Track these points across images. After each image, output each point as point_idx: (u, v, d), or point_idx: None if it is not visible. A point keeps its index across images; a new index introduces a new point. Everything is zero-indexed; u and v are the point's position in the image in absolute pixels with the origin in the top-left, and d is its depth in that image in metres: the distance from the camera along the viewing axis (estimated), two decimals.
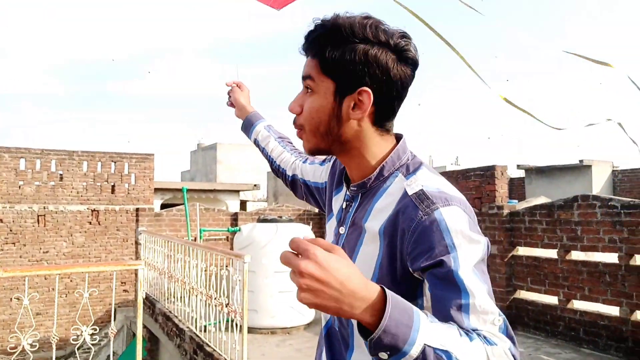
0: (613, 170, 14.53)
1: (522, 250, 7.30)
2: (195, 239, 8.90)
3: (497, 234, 7.51)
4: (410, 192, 0.90)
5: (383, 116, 0.99)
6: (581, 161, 13.80)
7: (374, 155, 1.00)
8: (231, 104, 1.65)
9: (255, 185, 18.72)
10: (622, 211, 6.01)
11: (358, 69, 0.92)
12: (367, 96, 0.93)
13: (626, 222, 5.95)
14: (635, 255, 5.91)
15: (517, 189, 16.19)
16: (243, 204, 18.68)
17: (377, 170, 0.99)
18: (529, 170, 15.23)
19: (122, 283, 11.84)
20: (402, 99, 1.00)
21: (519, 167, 15.46)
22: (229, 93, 1.64)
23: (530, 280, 7.05)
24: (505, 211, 7.48)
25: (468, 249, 0.83)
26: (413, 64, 0.97)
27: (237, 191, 17.71)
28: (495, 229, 7.53)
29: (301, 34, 1.00)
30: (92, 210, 11.84)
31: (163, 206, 15.08)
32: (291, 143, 1.51)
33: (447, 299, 0.80)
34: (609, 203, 6.17)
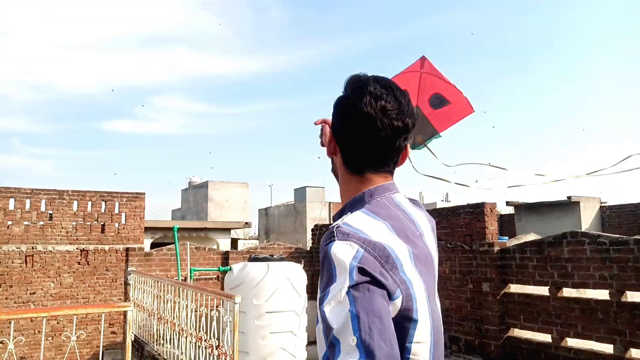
0: (601, 207, 14.69)
1: (514, 288, 7.29)
2: (185, 279, 8.80)
3: (488, 271, 7.51)
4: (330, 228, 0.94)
5: (350, 158, 1.09)
6: (569, 197, 13.96)
7: (345, 194, 1.10)
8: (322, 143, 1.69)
9: (246, 223, 18.64)
10: (611, 247, 6.06)
11: (333, 113, 1.12)
12: (331, 135, 1.11)
13: (615, 259, 5.99)
14: (626, 291, 5.93)
15: (507, 225, 16.26)
16: (234, 242, 18.55)
17: (341, 209, 1.07)
18: (519, 207, 15.35)
19: (110, 325, 11.59)
20: (372, 145, 1.05)
21: (508, 203, 15.58)
22: (321, 130, 1.66)
23: (523, 317, 7.02)
24: (496, 248, 7.51)
25: (337, 284, 0.83)
26: (374, 110, 1.03)
27: (228, 229, 17.61)
28: (487, 266, 7.54)
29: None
30: (81, 250, 11.69)
31: (153, 245, 14.93)
32: None
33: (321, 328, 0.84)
34: (598, 239, 6.22)
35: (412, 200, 1.15)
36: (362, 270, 0.83)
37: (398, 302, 0.86)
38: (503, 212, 18.16)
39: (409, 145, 1.14)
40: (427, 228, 1.10)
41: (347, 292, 0.81)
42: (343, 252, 0.85)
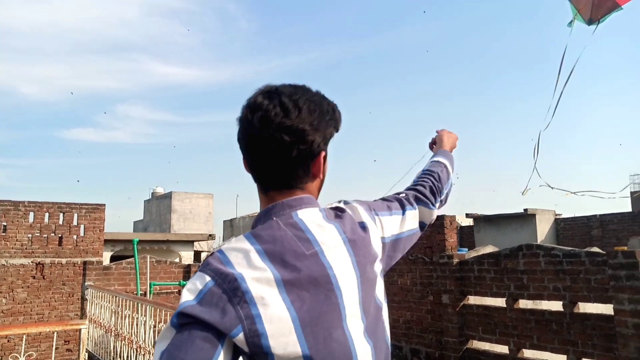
0: (556, 219, 15.20)
1: (473, 299, 7.45)
2: (145, 294, 8.62)
3: (448, 282, 7.65)
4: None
5: (253, 176, 1.06)
6: (526, 210, 14.38)
7: (259, 210, 1.06)
8: (432, 142, 1.71)
9: (210, 235, 18.41)
10: (564, 260, 6.28)
11: None
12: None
13: (568, 271, 6.21)
14: (578, 303, 6.14)
15: (467, 237, 16.60)
16: (197, 255, 18.28)
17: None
18: (478, 219, 15.71)
19: (65, 342, 11.20)
20: (249, 158, 1.04)
21: (467, 215, 15.93)
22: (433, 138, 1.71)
23: (482, 329, 7.17)
24: (455, 260, 7.67)
25: (168, 323, 0.84)
26: (248, 121, 1.00)
27: (192, 241, 17.35)
28: (446, 278, 7.68)
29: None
30: (36, 264, 11.29)
31: (113, 258, 14.56)
32: (426, 179, 1.43)
33: None
34: (552, 252, 6.44)
35: (337, 211, 1.08)
36: (184, 315, 0.82)
37: (240, 337, 0.83)
38: (463, 224, 18.54)
39: (323, 154, 1.06)
40: (335, 243, 1.00)
41: (166, 333, 0.83)
42: (187, 289, 0.86)
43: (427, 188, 1.35)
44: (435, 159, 1.53)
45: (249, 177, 1.09)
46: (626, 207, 16.35)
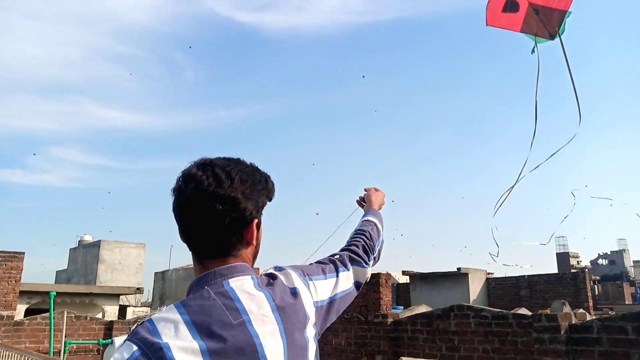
0: (487, 278, 15.66)
1: None
2: (58, 353, 7.93)
3: (382, 343, 7.57)
4: None
5: (188, 242, 1.10)
6: (459, 269, 14.76)
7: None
8: (360, 200, 1.81)
9: (138, 288, 17.48)
10: (492, 321, 6.39)
11: None
12: None
13: (497, 332, 6.31)
14: None
15: (403, 294, 16.71)
16: (123, 310, 17.22)
17: None
18: (414, 277, 15.91)
19: None
20: (183, 227, 1.08)
21: (404, 272, 16.12)
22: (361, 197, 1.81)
23: None
24: (390, 320, 7.63)
25: None
26: (182, 192, 1.06)
27: (117, 295, 16.37)
28: (380, 339, 7.60)
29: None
30: None
31: (29, 312, 13.43)
32: (359, 239, 1.50)
33: None
34: (481, 313, 6.55)
35: (269, 278, 1.11)
36: None
37: None
38: (400, 281, 18.70)
39: (256, 221, 1.10)
40: (263, 312, 1.03)
41: None
42: (114, 358, 0.87)
43: (360, 247, 1.42)
44: (366, 218, 1.62)
45: None
46: (553, 268, 17.16)
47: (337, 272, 1.30)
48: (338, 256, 1.39)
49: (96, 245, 29.52)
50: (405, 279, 18.11)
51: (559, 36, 5.86)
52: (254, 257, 1.16)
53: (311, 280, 1.21)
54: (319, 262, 1.36)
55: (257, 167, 1.17)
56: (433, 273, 15.55)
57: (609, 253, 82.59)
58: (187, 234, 1.08)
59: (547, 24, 5.85)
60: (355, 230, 1.56)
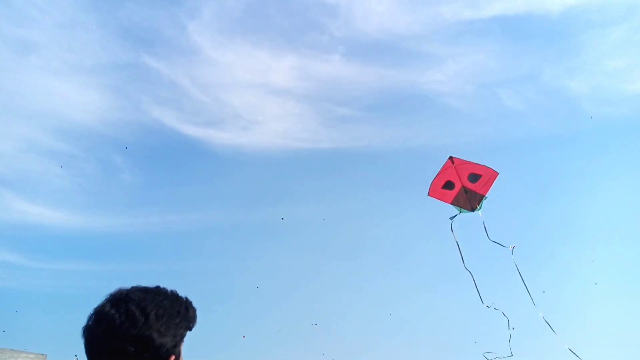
0: None
1: None
2: None
3: None
4: None
5: None
6: None
7: None
8: None
9: None
10: None
11: None
12: None
13: None
14: None
15: None
16: None
17: None
18: None
19: None
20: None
21: None
22: None
23: None
24: None
25: None
26: (92, 333, 1.03)
27: None
28: None
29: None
30: None
31: None
32: None
33: None
34: None
35: None
36: None
37: None
38: None
39: (173, 357, 1.04)
40: None
41: None
42: None
43: None
44: None
45: None
46: None
47: None
48: None
49: None
50: None
51: (478, 210, 7.92)
52: None
53: None
54: None
55: (176, 295, 1.10)
56: None
57: None
58: None
59: (471, 201, 7.84)
60: None
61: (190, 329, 1.11)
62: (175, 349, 1.05)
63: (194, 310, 1.11)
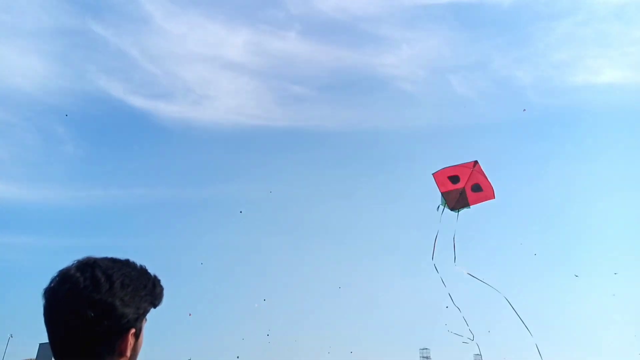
0: None
1: None
2: None
3: None
4: None
5: (51, 346, 1.03)
6: None
7: None
8: None
9: None
10: None
11: None
12: None
13: None
14: None
15: None
16: None
17: None
18: None
19: None
20: (49, 332, 1.02)
21: None
22: None
23: None
24: None
25: None
26: (54, 293, 1.02)
27: None
28: None
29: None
30: None
31: None
32: None
33: None
34: None
35: None
36: None
37: None
38: None
39: (133, 330, 1.04)
40: None
41: None
42: None
43: None
44: None
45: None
46: None
47: None
48: None
49: None
50: None
51: (457, 212, 8.73)
52: None
53: None
54: None
55: (145, 270, 1.10)
56: None
57: None
58: (52, 341, 1.00)
59: (458, 203, 8.57)
60: None
61: (155, 306, 1.11)
62: (137, 322, 1.05)
63: (162, 288, 1.11)
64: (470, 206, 8.61)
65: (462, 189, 8.34)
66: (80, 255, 1.00)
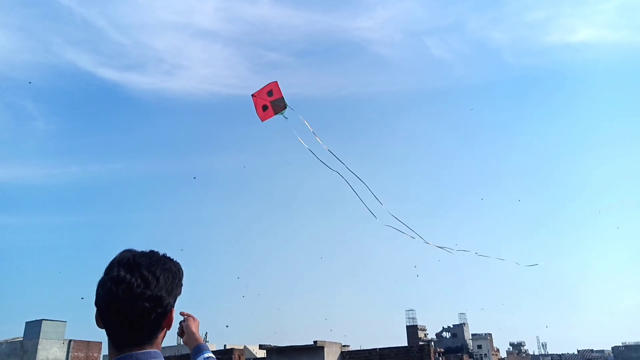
0: (342, 351, 15.93)
1: None
2: None
3: None
4: None
5: (109, 333, 1.29)
6: (315, 342, 14.85)
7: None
8: (180, 332, 1.90)
9: None
10: None
11: None
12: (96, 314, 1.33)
13: None
14: None
15: None
16: None
17: None
18: (270, 350, 15.64)
19: None
20: (109, 321, 1.28)
21: (261, 347, 15.75)
22: (181, 323, 1.91)
23: None
24: None
25: None
26: (113, 293, 1.25)
27: None
28: None
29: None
30: None
31: None
32: None
33: None
34: None
35: None
36: None
37: None
38: (258, 355, 18.18)
39: (174, 310, 1.34)
40: None
41: None
42: None
43: None
44: (205, 355, 1.79)
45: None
46: (403, 340, 17.94)
47: None
48: None
49: None
50: (262, 353, 17.69)
51: (283, 113, 9.90)
52: (164, 336, 1.38)
53: None
54: None
55: (169, 258, 1.37)
56: (290, 347, 15.44)
57: (451, 326, 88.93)
58: (112, 328, 1.26)
59: (278, 107, 9.86)
60: None
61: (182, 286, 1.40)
62: (174, 304, 1.36)
63: (182, 270, 1.40)
64: (282, 96, 9.88)
65: (270, 103, 9.74)
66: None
